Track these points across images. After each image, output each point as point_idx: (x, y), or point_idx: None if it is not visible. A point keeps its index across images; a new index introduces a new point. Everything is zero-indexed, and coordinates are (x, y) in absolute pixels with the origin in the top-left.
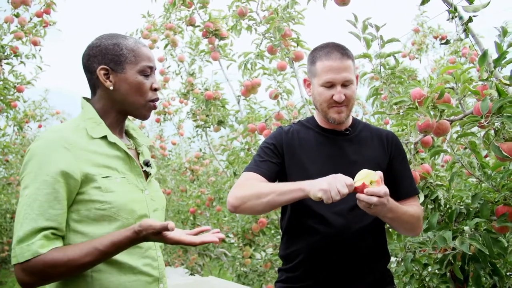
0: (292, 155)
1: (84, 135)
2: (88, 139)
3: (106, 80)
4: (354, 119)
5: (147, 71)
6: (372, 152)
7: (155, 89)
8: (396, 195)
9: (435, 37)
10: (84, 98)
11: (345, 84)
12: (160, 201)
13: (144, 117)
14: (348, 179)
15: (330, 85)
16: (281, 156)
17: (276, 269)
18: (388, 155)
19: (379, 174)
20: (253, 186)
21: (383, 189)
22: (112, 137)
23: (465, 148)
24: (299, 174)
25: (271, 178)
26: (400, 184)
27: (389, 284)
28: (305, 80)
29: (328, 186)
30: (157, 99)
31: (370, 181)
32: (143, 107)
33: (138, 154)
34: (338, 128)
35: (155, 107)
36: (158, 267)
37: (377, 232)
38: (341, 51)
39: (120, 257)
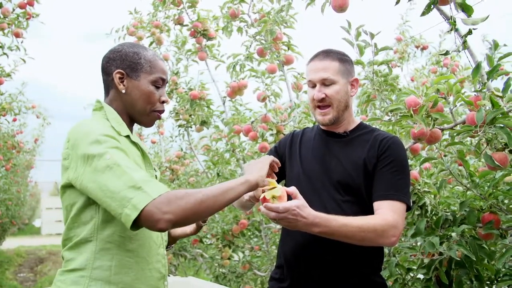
0: (290, 156)
1: (113, 131)
2: (116, 135)
3: (120, 83)
4: (362, 124)
5: (159, 83)
6: (359, 154)
7: (163, 102)
8: (371, 197)
9: (417, 47)
10: (98, 101)
11: (324, 83)
12: None
13: (147, 124)
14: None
15: (312, 85)
16: (280, 158)
17: (255, 270)
18: (376, 157)
19: (281, 190)
20: None
21: (282, 205)
22: (134, 137)
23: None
24: (290, 173)
25: None
26: (375, 186)
27: None
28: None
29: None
30: (162, 111)
31: (272, 196)
32: (148, 115)
33: None
34: (336, 130)
35: (159, 118)
36: (165, 265)
37: None
38: (326, 53)
39: (141, 250)
